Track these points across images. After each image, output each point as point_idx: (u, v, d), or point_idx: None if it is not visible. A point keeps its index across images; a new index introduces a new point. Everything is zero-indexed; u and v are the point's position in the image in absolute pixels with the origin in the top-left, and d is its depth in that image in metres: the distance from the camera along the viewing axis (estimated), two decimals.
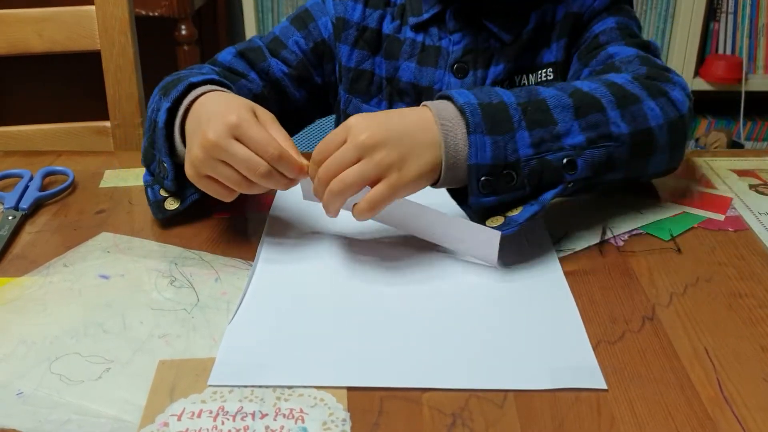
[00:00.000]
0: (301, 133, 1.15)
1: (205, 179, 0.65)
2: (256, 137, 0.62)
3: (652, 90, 0.70)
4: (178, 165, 0.71)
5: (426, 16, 0.87)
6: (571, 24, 0.86)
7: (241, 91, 0.86)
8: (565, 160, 0.64)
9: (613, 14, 0.85)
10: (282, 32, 0.92)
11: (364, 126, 0.61)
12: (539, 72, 0.88)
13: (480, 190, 0.63)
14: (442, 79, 0.87)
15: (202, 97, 0.69)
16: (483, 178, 0.62)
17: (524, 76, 0.88)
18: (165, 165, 0.71)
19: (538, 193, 0.64)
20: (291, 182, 0.64)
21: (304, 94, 0.93)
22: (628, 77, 0.72)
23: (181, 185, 0.72)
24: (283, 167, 0.62)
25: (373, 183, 0.61)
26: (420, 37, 0.88)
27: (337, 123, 0.99)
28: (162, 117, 0.70)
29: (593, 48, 0.84)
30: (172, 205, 0.73)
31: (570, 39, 0.86)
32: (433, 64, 0.87)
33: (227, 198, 0.66)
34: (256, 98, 0.87)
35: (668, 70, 0.77)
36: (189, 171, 0.65)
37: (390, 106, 0.91)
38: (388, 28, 0.89)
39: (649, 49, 0.82)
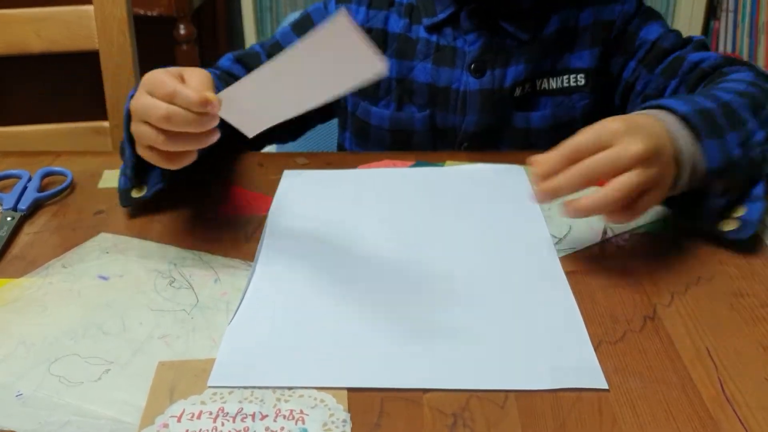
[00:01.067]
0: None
1: (144, 149, 0.65)
2: (159, 84, 0.61)
3: None
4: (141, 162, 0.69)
5: (441, 16, 0.86)
6: (602, 32, 0.87)
7: None
8: (762, 156, 0.67)
9: (648, 18, 0.88)
10: (282, 37, 0.92)
11: (634, 138, 0.60)
12: (566, 76, 0.88)
13: (714, 193, 0.65)
14: (459, 78, 0.87)
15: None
16: (715, 181, 0.64)
17: (545, 80, 0.88)
18: (126, 151, 0.72)
19: (747, 190, 0.67)
20: (202, 125, 0.60)
21: None
22: (751, 76, 0.75)
23: (142, 173, 0.73)
24: (179, 101, 0.59)
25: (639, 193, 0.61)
26: (434, 38, 0.88)
27: (344, 127, 0.98)
28: (127, 103, 0.69)
29: (662, 55, 0.85)
30: (137, 193, 0.74)
31: (605, 47, 0.87)
32: (450, 64, 0.87)
33: (168, 164, 0.64)
34: None
35: (753, 64, 0.81)
36: (137, 148, 0.66)
37: (399, 108, 0.91)
38: (395, 27, 0.89)
39: (707, 47, 0.86)
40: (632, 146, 0.59)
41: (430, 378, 0.52)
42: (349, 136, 0.97)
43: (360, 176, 0.83)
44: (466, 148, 0.91)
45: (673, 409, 0.49)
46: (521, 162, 0.83)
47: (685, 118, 0.65)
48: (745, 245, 0.67)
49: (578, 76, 0.88)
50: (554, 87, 0.88)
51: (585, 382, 0.51)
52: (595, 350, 0.54)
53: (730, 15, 2.13)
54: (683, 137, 0.64)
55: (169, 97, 0.60)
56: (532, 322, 0.58)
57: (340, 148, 1.01)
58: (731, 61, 0.82)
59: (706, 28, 2.14)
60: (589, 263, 0.65)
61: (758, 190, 0.66)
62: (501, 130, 0.90)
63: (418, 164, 0.86)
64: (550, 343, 0.55)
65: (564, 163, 0.61)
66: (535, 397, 0.50)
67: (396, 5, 0.90)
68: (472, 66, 0.86)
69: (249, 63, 0.90)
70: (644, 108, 0.68)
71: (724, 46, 2.16)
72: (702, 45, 0.86)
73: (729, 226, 0.66)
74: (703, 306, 0.59)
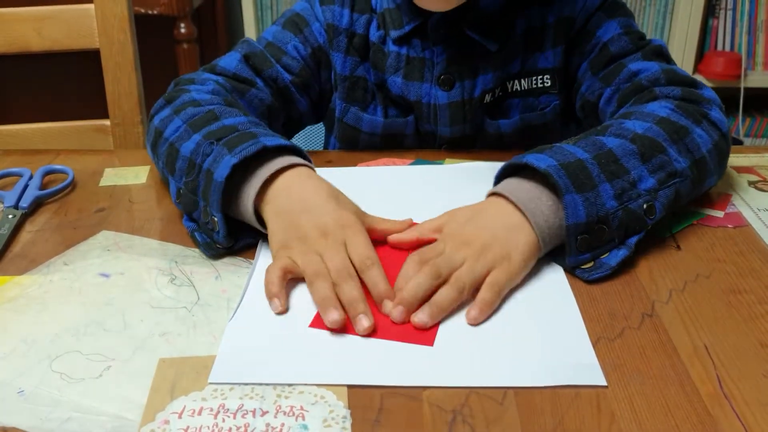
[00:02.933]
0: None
1: (286, 259, 0.62)
2: (360, 243, 0.62)
3: (696, 116, 0.72)
4: (228, 218, 0.67)
5: (407, 28, 0.84)
6: (565, 28, 0.85)
7: (252, 103, 0.85)
8: (645, 206, 0.65)
9: (610, 15, 0.84)
10: (276, 38, 0.88)
11: (459, 231, 0.63)
12: (534, 78, 0.87)
13: (578, 249, 0.62)
14: (429, 92, 0.86)
15: (292, 174, 0.67)
16: (580, 237, 0.62)
17: (515, 81, 0.87)
18: (216, 220, 0.65)
19: (624, 240, 0.65)
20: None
21: (307, 101, 0.91)
22: (670, 107, 0.73)
23: (233, 235, 0.67)
24: (372, 276, 0.60)
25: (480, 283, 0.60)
26: (404, 50, 0.86)
27: (330, 130, 0.97)
28: (224, 172, 0.65)
29: (607, 60, 0.83)
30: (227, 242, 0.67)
31: (567, 45, 0.86)
32: (419, 78, 0.85)
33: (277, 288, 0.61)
34: (269, 109, 0.86)
35: (696, 84, 0.79)
36: (275, 247, 0.64)
37: (385, 113, 0.89)
38: (374, 35, 0.87)
39: (663, 54, 0.83)
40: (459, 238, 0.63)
41: (429, 375, 0.52)
42: (333, 141, 0.96)
43: (360, 174, 0.83)
44: (446, 149, 0.90)
45: (671, 405, 0.49)
46: None
47: (545, 174, 0.63)
48: (743, 242, 0.68)
49: (545, 77, 0.86)
50: (524, 88, 0.87)
51: (583, 378, 0.51)
52: (593, 347, 0.54)
53: (729, 13, 2.13)
54: (537, 203, 0.63)
55: (365, 268, 0.60)
56: (531, 319, 0.58)
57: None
58: (670, 78, 0.79)
59: (705, 26, 2.15)
60: None
61: (632, 240, 0.65)
62: (475, 137, 0.89)
63: (417, 162, 0.86)
64: (549, 340, 0.55)
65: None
66: (534, 394, 0.50)
67: (376, 13, 0.87)
68: (441, 78, 0.85)
69: (258, 65, 0.86)
70: (510, 164, 0.67)
71: (723, 44, 2.16)
72: (654, 52, 0.82)
73: (583, 265, 0.63)
74: (701, 303, 0.60)
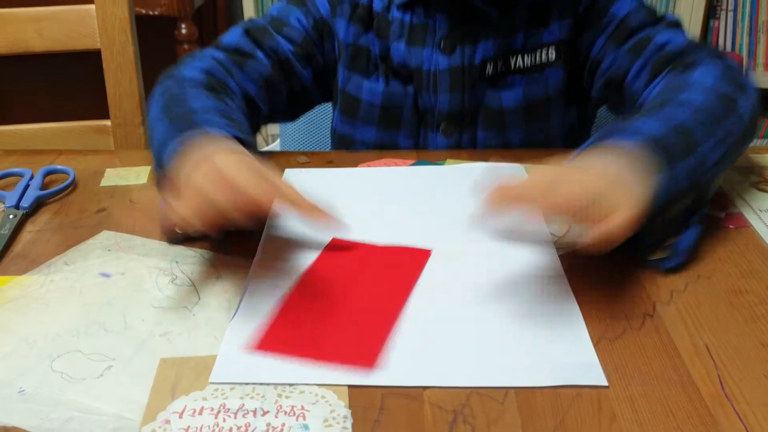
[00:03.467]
0: (302, 123, 1.14)
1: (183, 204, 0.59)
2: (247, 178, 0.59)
3: (737, 83, 0.74)
4: None
5: None
6: (572, 3, 0.85)
7: (251, 75, 0.86)
8: (710, 180, 0.67)
9: None
10: (280, 12, 0.91)
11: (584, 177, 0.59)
12: (538, 52, 0.87)
13: (647, 231, 0.60)
14: (430, 57, 0.87)
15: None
16: (651, 219, 0.59)
17: (518, 57, 0.87)
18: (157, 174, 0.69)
19: (687, 220, 0.65)
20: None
21: (310, 73, 0.92)
22: (716, 72, 0.74)
23: None
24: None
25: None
26: (408, 17, 0.87)
27: (335, 104, 0.97)
28: (169, 157, 0.65)
29: (628, 34, 0.84)
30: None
31: (576, 20, 0.86)
32: (421, 43, 0.87)
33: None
34: (267, 81, 0.87)
35: (720, 51, 0.82)
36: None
37: (386, 84, 0.90)
38: (377, 5, 0.89)
39: (680, 26, 0.85)
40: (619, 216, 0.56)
41: (430, 375, 0.52)
42: (337, 115, 0.96)
43: (360, 175, 0.83)
44: (444, 130, 0.90)
45: (673, 406, 0.49)
46: (521, 161, 0.83)
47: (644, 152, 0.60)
48: (745, 242, 0.67)
49: (549, 50, 0.87)
50: (527, 65, 0.87)
51: (584, 379, 0.51)
52: (594, 347, 0.54)
53: (730, 14, 2.13)
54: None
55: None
56: (532, 319, 0.58)
57: (333, 132, 0.99)
58: (698, 46, 0.81)
59: (706, 27, 2.14)
60: (588, 261, 0.65)
61: (696, 217, 0.65)
62: (475, 111, 0.89)
63: (418, 163, 0.86)
64: (550, 340, 0.55)
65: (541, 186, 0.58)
66: (535, 394, 0.50)
67: None
68: (442, 43, 0.86)
69: (258, 37, 0.88)
70: (600, 137, 0.64)
71: (724, 45, 2.16)
72: (674, 24, 0.84)
73: (657, 254, 0.63)
74: (703, 303, 0.59)
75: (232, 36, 0.88)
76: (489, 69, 0.87)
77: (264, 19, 0.91)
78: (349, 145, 0.95)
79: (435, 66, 0.87)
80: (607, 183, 0.57)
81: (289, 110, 0.95)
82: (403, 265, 0.65)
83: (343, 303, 0.60)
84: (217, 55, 0.86)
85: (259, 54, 0.87)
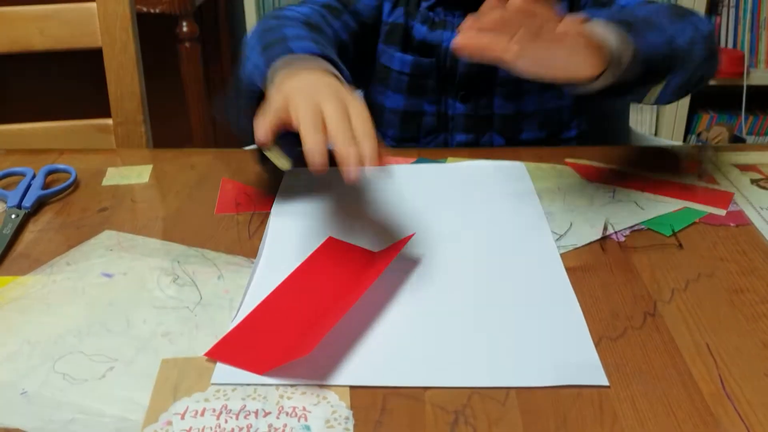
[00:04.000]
0: None
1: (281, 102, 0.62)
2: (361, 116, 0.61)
3: (685, 14, 0.80)
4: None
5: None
6: None
7: (346, 26, 0.94)
8: (685, 51, 0.74)
9: None
10: None
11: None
12: None
13: (638, 83, 0.71)
14: (450, 38, 0.92)
15: (312, 71, 0.67)
16: (642, 69, 0.69)
17: None
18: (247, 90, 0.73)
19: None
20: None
21: (368, 49, 0.98)
22: (663, 6, 0.81)
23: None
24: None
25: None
26: (431, 14, 0.94)
27: (372, 77, 1.01)
28: (263, 69, 0.71)
29: (603, 3, 0.90)
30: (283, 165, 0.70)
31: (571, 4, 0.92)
32: (442, 27, 0.93)
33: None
34: (352, 36, 0.94)
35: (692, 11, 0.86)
36: (277, 106, 0.63)
37: (412, 59, 0.96)
38: None
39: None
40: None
41: (431, 375, 0.52)
42: (371, 86, 1.02)
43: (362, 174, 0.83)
44: (463, 97, 0.95)
45: (674, 405, 0.49)
46: (521, 159, 0.83)
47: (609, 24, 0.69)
48: (746, 240, 0.67)
49: None
50: None
51: (586, 378, 0.51)
52: (595, 347, 0.54)
53: (732, 10, 2.13)
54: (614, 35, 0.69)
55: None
56: (533, 319, 0.58)
57: (369, 102, 1.03)
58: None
59: None
60: (589, 260, 0.66)
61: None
62: (492, 79, 0.94)
63: (419, 161, 0.86)
64: (551, 340, 0.55)
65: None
66: (536, 394, 0.50)
67: None
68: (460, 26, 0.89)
69: (347, 2, 0.94)
70: None
71: (726, 42, 2.15)
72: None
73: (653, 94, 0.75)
74: (704, 302, 0.59)
75: None
76: None
77: None
78: (379, 114, 1.00)
79: (454, 45, 0.89)
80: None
81: (353, 74, 0.98)
82: (383, 257, 0.65)
83: (308, 302, 0.60)
84: (313, 6, 0.92)
85: (346, 16, 0.94)
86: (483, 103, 0.95)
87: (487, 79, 0.94)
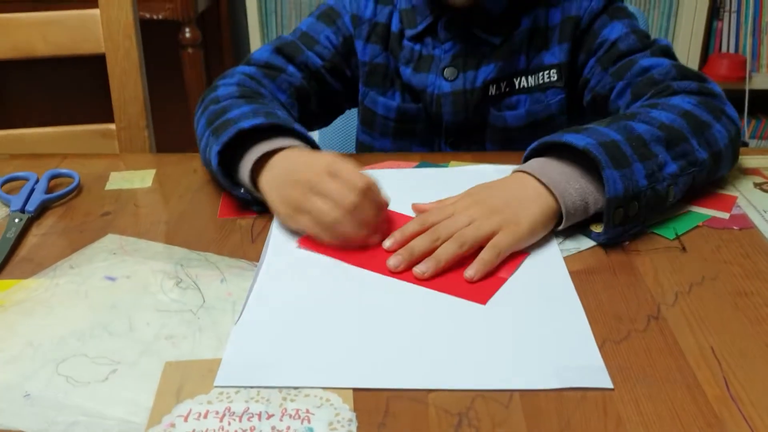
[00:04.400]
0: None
1: (300, 215, 0.68)
2: (348, 170, 0.66)
3: (716, 112, 0.76)
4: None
5: (420, 27, 0.90)
6: (571, 27, 0.89)
7: (281, 86, 0.90)
8: (667, 189, 0.69)
9: (614, 16, 0.89)
10: (310, 28, 0.95)
11: (472, 200, 0.68)
12: (541, 73, 0.91)
13: (613, 222, 0.66)
14: (434, 82, 0.91)
15: (285, 152, 0.72)
16: (616, 210, 0.66)
17: (522, 78, 0.92)
18: (240, 195, 0.75)
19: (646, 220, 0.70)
20: (369, 230, 0.67)
21: (341, 85, 0.96)
22: (693, 102, 0.77)
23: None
24: (370, 197, 0.66)
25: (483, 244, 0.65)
26: (417, 47, 0.92)
27: (358, 115, 1.01)
28: (215, 160, 0.73)
29: (617, 57, 0.87)
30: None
31: (573, 42, 0.90)
32: (426, 70, 0.91)
33: (322, 235, 0.67)
34: (298, 90, 0.92)
35: (705, 78, 0.82)
36: (282, 210, 0.69)
37: (402, 99, 0.95)
38: (395, 26, 0.93)
39: (669, 53, 0.87)
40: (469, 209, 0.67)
41: (435, 378, 0.52)
42: (358, 125, 1.02)
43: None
44: (452, 144, 0.95)
45: (678, 408, 0.49)
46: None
47: (585, 151, 0.66)
48: (749, 244, 0.67)
49: (551, 72, 0.91)
50: (531, 85, 0.91)
51: (589, 381, 0.51)
52: (599, 350, 0.54)
53: (733, 15, 2.13)
54: (566, 180, 0.68)
55: (360, 192, 0.65)
56: (537, 322, 0.58)
57: (356, 139, 1.05)
58: (683, 74, 0.82)
59: (709, 29, 2.14)
60: (593, 263, 0.65)
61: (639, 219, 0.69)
62: (481, 128, 0.94)
63: (422, 165, 0.86)
64: (555, 343, 0.55)
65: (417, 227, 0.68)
66: (540, 397, 0.50)
67: (396, 8, 0.93)
68: (445, 71, 0.90)
69: (289, 53, 0.92)
70: (543, 142, 0.71)
71: (727, 47, 2.15)
72: (663, 51, 0.86)
73: (597, 228, 0.68)
74: (708, 305, 0.59)
75: (263, 53, 0.93)
76: (492, 90, 0.91)
77: (293, 35, 0.95)
78: (369, 152, 1.00)
79: (438, 90, 0.91)
80: (489, 211, 0.66)
81: (321, 116, 1.00)
82: None
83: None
84: (247, 70, 0.90)
85: (291, 68, 0.92)
86: (474, 149, 0.95)
87: (477, 127, 0.93)
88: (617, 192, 0.65)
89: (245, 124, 0.72)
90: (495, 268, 0.64)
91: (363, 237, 0.66)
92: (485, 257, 0.63)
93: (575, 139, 0.68)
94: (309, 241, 0.66)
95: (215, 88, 0.86)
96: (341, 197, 0.65)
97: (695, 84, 0.80)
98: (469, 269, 0.63)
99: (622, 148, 0.67)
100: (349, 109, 1.04)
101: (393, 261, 0.64)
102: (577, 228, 0.69)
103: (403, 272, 0.64)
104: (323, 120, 1.02)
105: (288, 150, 0.72)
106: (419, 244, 0.65)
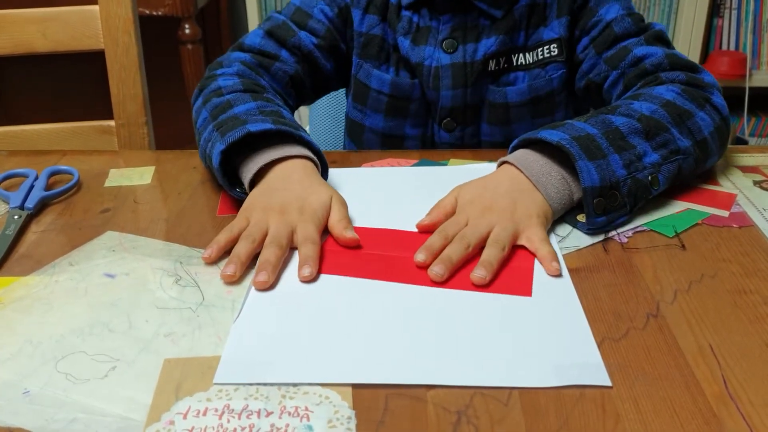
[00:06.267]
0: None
1: (249, 215, 0.70)
2: (317, 219, 0.69)
3: (700, 100, 0.78)
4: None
5: None
6: (568, 2, 0.88)
7: (277, 76, 0.90)
8: (650, 177, 0.71)
9: None
10: (303, 3, 0.93)
11: (481, 207, 0.69)
12: (541, 49, 0.90)
13: (595, 211, 0.68)
14: (432, 55, 0.90)
15: (290, 164, 0.74)
16: (596, 200, 0.68)
17: (521, 54, 0.90)
18: (235, 195, 0.75)
19: (633, 208, 0.71)
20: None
21: (333, 65, 0.95)
22: (677, 91, 0.78)
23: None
24: (305, 251, 0.65)
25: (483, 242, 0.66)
26: (415, 18, 0.90)
27: (347, 91, 1.00)
28: (217, 159, 0.73)
29: (611, 41, 0.87)
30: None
31: (571, 17, 0.89)
32: (424, 42, 0.90)
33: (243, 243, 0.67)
34: (293, 79, 0.92)
35: (697, 68, 0.83)
36: (246, 203, 0.71)
37: (396, 74, 0.93)
38: None
39: (663, 39, 0.87)
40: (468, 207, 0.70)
41: (434, 375, 0.52)
42: (350, 101, 0.99)
43: (364, 175, 0.83)
44: (446, 125, 0.93)
45: (677, 406, 0.49)
46: None
47: (559, 146, 0.69)
48: (749, 242, 0.67)
49: (551, 47, 0.89)
50: (530, 61, 0.90)
51: (588, 379, 0.51)
52: (598, 347, 0.54)
53: (734, 12, 2.13)
54: (547, 176, 0.70)
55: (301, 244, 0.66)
56: (536, 320, 0.58)
57: (346, 117, 1.03)
58: (673, 63, 0.83)
59: (710, 26, 2.14)
60: (592, 261, 0.66)
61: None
62: (478, 106, 0.92)
63: (421, 162, 0.86)
64: (554, 341, 0.55)
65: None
66: (539, 395, 0.50)
67: None
68: (444, 43, 0.88)
69: (281, 36, 0.91)
70: (522, 139, 0.74)
71: (728, 44, 2.15)
72: (656, 38, 0.86)
73: (602, 229, 0.70)
74: (707, 303, 0.59)
75: (255, 38, 0.92)
76: (491, 65, 0.90)
77: (286, 12, 0.94)
78: (359, 132, 0.98)
79: (437, 62, 0.89)
80: (502, 212, 0.68)
81: (311, 96, 0.99)
82: None
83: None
84: (242, 57, 0.89)
85: (283, 53, 0.91)
86: (469, 130, 0.93)
87: (474, 105, 0.92)
88: (593, 182, 0.67)
89: (253, 127, 0.73)
90: (515, 261, 0.65)
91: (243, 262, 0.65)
92: (494, 254, 0.64)
93: (550, 135, 0.70)
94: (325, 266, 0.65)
95: (215, 77, 0.86)
96: (284, 232, 0.66)
97: (683, 75, 0.81)
98: (478, 269, 0.63)
99: (597, 140, 0.70)
100: (336, 90, 1.03)
101: (433, 272, 0.63)
102: (564, 219, 0.72)
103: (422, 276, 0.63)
104: (312, 99, 1.02)
105: (293, 163, 0.74)
106: (454, 250, 0.64)
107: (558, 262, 0.64)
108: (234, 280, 0.63)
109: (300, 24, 0.92)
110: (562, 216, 0.71)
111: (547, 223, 0.69)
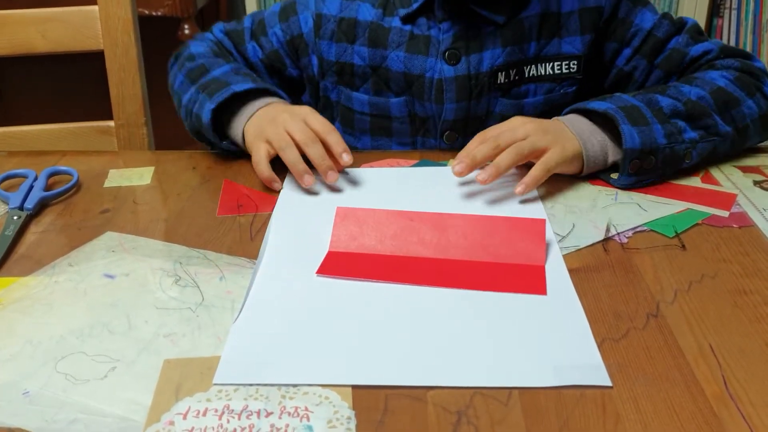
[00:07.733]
0: None
1: (260, 141, 0.79)
2: (314, 119, 0.79)
3: (749, 88, 0.82)
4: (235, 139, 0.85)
5: (416, 6, 0.86)
6: (593, 18, 0.87)
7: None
8: (685, 151, 0.77)
9: (636, 2, 0.89)
10: (268, 19, 0.96)
11: (525, 119, 0.78)
12: (558, 63, 0.89)
13: (629, 171, 0.75)
14: (434, 66, 0.87)
15: (271, 105, 0.83)
16: (632, 161, 0.75)
17: (534, 66, 0.88)
18: (224, 147, 0.85)
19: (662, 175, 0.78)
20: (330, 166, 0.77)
21: (277, 83, 0.96)
22: (730, 78, 0.83)
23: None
24: (332, 139, 0.78)
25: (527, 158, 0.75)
26: (407, 27, 0.88)
27: (333, 118, 0.98)
28: (207, 116, 0.82)
29: (659, 46, 0.88)
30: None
31: (596, 33, 0.88)
32: (423, 53, 0.88)
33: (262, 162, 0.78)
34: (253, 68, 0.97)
35: (750, 55, 0.89)
36: (248, 138, 0.82)
37: (373, 93, 0.92)
38: (367, 16, 0.89)
39: (702, 32, 0.90)
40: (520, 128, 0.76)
41: (434, 375, 0.52)
42: (339, 128, 0.97)
43: (364, 175, 0.83)
44: (447, 137, 0.91)
45: (677, 406, 0.49)
46: None
47: (605, 114, 0.76)
48: (749, 242, 0.67)
49: (571, 63, 0.89)
50: (543, 73, 0.89)
51: (588, 379, 0.51)
52: (598, 348, 0.54)
53: (734, 12, 2.13)
54: (590, 135, 0.77)
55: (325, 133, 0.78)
56: (536, 320, 0.58)
57: None
58: (728, 52, 0.86)
59: (710, 26, 2.14)
60: (592, 261, 0.65)
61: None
62: (484, 118, 0.90)
63: (421, 163, 0.86)
64: (554, 341, 0.55)
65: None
66: (539, 395, 0.50)
67: None
68: (446, 54, 0.87)
69: (235, 40, 0.97)
70: (572, 108, 0.81)
71: (727, 44, 2.15)
72: (696, 31, 0.89)
73: (628, 187, 0.77)
74: (707, 304, 0.59)
75: (218, 32, 0.99)
76: (501, 78, 0.88)
77: (251, 19, 0.98)
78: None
79: (440, 74, 0.87)
80: (542, 130, 0.76)
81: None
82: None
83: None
84: (211, 37, 0.98)
85: (236, 54, 0.97)
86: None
87: (478, 118, 0.90)
88: (634, 144, 0.74)
89: (238, 87, 0.83)
90: (531, 257, 0.65)
91: (301, 170, 0.77)
92: (537, 174, 0.73)
93: (598, 105, 0.77)
94: (327, 268, 0.65)
95: (186, 46, 0.96)
96: (294, 130, 0.77)
97: (737, 61, 0.85)
98: (520, 186, 0.73)
99: (642, 111, 0.76)
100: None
101: (457, 168, 0.73)
102: (598, 174, 0.79)
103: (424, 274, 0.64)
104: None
105: (274, 104, 0.84)
106: (481, 150, 0.74)
107: (524, 187, 0.73)
108: (313, 182, 0.77)
109: (254, 35, 0.96)
110: (594, 173, 0.78)
111: (573, 160, 0.76)
